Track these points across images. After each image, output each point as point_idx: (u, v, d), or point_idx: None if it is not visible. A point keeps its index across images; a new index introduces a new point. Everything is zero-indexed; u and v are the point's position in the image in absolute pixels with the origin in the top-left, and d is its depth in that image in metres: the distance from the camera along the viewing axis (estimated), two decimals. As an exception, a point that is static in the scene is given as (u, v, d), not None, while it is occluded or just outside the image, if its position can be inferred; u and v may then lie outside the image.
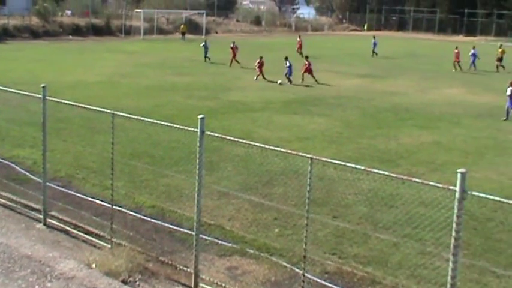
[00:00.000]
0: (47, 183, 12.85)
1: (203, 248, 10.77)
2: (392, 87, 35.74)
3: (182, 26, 75.44)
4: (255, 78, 37.01)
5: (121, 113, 11.51)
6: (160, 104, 27.19)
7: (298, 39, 58.68)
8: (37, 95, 12.59)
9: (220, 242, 11.74)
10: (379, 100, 30.69)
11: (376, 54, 56.98)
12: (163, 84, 34.09)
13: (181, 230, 12.10)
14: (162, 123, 11.44)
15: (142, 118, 11.69)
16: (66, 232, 12.18)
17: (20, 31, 67.03)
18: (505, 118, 26.09)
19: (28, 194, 13.69)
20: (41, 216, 12.63)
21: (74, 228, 12.23)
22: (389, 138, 21.71)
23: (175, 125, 10.98)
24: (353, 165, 8.95)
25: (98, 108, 12.27)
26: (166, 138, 17.38)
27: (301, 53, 52.46)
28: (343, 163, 9.14)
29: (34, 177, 14.88)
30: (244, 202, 13.68)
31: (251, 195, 13.79)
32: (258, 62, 37.28)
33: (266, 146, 10.13)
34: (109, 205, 11.83)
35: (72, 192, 14.36)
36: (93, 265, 10.37)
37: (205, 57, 46.50)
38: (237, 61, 43.26)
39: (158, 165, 16.18)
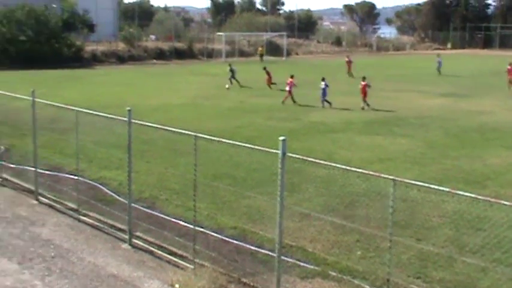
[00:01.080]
0: (132, 204, 13.07)
1: (285, 270, 10.67)
2: (477, 107, 34.81)
3: (260, 48, 76.01)
4: (282, 101, 35.37)
5: (203, 135, 11.63)
6: (241, 125, 27.39)
7: (347, 59, 56.50)
8: (123, 118, 12.87)
9: (302, 264, 11.62)
10: (464, 120, 29.98)
11: (439, 73, 55.67)
12: (244, 106, 34.35)
13: (263, 251, 12.06)
14: (244, 145, 11.44)
15: (224, 140, 11.74)
16: (151, 252, 12.36)
17: (108, 56, 69.02)
18: None
19: (114, 214, 13.95)
20: (127, 237, 12.87)
21: (158, 249, 12.40)
22: (474, 158, 21.10)
23: (256, 147, 10.99)
24: (437, 187, 8.79)
25: (180, 131, 12.43)
26: (247, 160, 17.44)
27: (351, 75, 51.75)
28: (426, 185, 8.99)
29: (120, 198, 15.18)
30: (326, 224, 13.52)
31: (333, 217, 13.60)
32: (289, 83, 35.83)
33: (348, 168, 10.03)
34: (192, 226, 11.95)
35: (156, 213, 14.55)
36: (177, 285, 10.45)
37: (231, 79, 44.64)
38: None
39: (240, 187, 16.21)
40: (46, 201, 15.54)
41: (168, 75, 53.56)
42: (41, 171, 16.56)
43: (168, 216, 14.24)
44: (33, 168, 16.18)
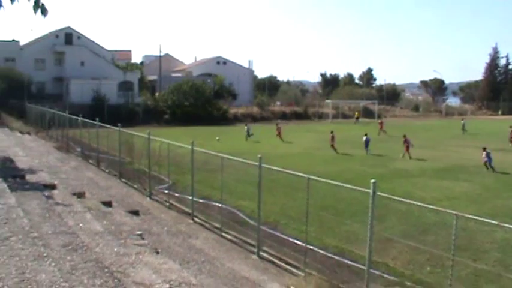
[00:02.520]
0: (260, 226, 13.33)
1: (372, 279, 10.60)
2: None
3: (356, 112, 75.28)
4: (402, 156, 33.86)
5: (314, 177, 11.81)
6: (342, 170, 27.22)
7: (379, 120, 55.22)
8: (255, 163, 13.25)
9: (385, 275, 11.50)
10: (512, 169, 28.49)
11: (466, 131, 53.24)
12: (344, 156, 34.19)
13: (356, 265, 11.97)
14: (344, 185, 11.58)
15: (329, 181, 11.89)
16: (273, 262, 12.52)
17: (245, 117, 70.42)
18: None
19: (247, 233, 14.24)
20: (255, 250, 13.10)
21: (278, 260, 12.55)
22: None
23: (353, 187, 11.07)
24: (490, 220, 8.63)
25: (297, 173, 12.64)
26: (346, 196, 17.35)
27: (384, 131, 50.01)
28: (481, 218, 8.87)
29: (251, 221, 15.40)
30: (404, 246, 13.28)
31: (410, 241, 13.34)
32: (405, 141, 34.49)
33: (422, 204, 9.96)
34: (304, 244, 12.06)
35: (278, 234, 14.71)
36: (291, 287, 10.57)
37: (248, 136, 44.68)
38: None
39: (340, 216, 16.14)
40: (199, 221, 16.10)
41: (289, 131, 54.00)
42: (196, 199, 17.17)
43: (286, 236, 14.35)
44: (190, 197, 16.82)
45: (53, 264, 5.83)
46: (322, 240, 13.99)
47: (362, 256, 11.71)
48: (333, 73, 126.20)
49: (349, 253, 13.08)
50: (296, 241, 13.39)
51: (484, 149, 29.02)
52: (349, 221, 15.00)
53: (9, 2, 4.41)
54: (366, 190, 9.94)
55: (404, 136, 34.75)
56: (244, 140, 43.67)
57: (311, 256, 12.21)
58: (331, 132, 38.19)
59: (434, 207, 10.30)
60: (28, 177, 13.24)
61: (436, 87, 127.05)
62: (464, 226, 13.17)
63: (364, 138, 36.28)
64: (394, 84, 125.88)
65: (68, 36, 72.99)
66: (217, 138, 41.04)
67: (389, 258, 12.79)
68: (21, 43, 72.90)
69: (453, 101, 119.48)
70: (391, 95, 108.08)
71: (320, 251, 13.03)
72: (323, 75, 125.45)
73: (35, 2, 4.34)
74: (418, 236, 14.42)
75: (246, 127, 46.32)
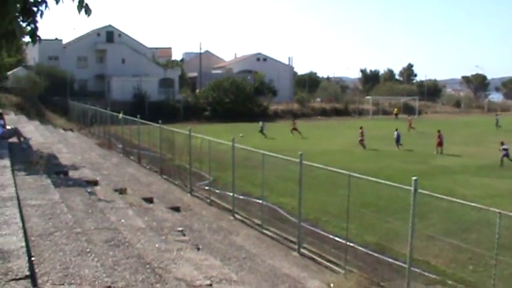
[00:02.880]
0: (301, 223, 13.30)
1: (413, 277, 10.42)
2: None
3: (396, 109, 74.11)
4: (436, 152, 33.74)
5: (355, 174, 11.69)
6: (382, 166, 26.87)
7: (409, 117, 55.68)
8: (296, 160, 13.20)
9: (426, 273, 11.30)
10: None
11: (500, 127, 52.81)
12: (384, 152, 33.74)
13: (397, 263, 11.80)
14: (385, 182, 11.44)
15: (370, 178, 11.75)
16: (313, 259, 12.45)
17: (285, 113, 70.40)
18: None
19: (287, 230, 14.21)
20: (296, 247, 13.06)
21: (319, 257, 12.47)
22: None
23: (394, 184, 10.90)
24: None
25: (338, 170, 12.55)
26: (387, 193, 17.07)
27: (413, 128, 49.60)
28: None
29: (292, 218, 15.41)
30: (446, 244, 12.99)
31: (451, 239, 13.04)
32: (438, 136, 34.24)
33: (464, 202, 9.72)
34: (344, 241, 11.95)
35: (318, 231, 14.64)
36: (331, 285, 10.47)
37: (262, 133, 44.36)
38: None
39: (381, 213, 15.93)
40: (239, 217, 16.13)
41: (329, 128, 53.71)
42: (237, 195, 17.21)
43: (327, 233, 14.29)
44: (231, 194, 16.89)
45: (96, 259, 5.91)
46: (362, 238, 13.88)
47: (403, 254, 11.53)
48: (373, 69, 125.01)
49: (390, 251, 12.91)
50: (337, 238, 13.29)
51: (502, 143, 28.79)
52: (390, 219, 14.75)
53: (54, 2, 4.46)
54: (408, 187, 9.78)
55: (439, 131, 34.50)
56: (261, 135, 43.49)
57: (352, 253, 12.10)
58: (361, 128, 37.98)
59: (477, 205, 10.01)
60: (71, 173, 13.52)
61: (478, 83, 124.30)
62: (508, 224, 12.72)
63: (395, 133, 36.65)
64: (435, 80, 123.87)
65: (109, 34, 74.35)
66: (240, 135, 40.97)
67: (431, 256, 12.55)
68: (64, 42, 74.56)
69: (495, 97, 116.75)
70: (432, 91, 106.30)
71: (361, 248, 12.91)
72: (363, 71, 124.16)
73: (79, 2, 4.39)
74: (460, 234, 14.07)
75: (260, 123, 46.21)
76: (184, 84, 78.76)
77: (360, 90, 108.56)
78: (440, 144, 33.65)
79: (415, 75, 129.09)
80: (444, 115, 79.62)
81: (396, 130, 36.86)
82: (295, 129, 45.63)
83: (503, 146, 28.62)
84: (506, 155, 28.29)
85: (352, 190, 11.64)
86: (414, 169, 25.78)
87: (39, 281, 5.19)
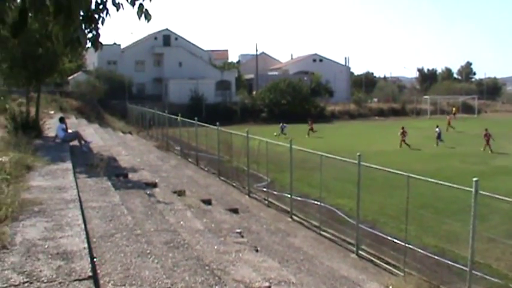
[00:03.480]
0: (359, 225, 13.13)
1: (474, 281, 10.09)
2: None
3: (453, 108, 71.81)
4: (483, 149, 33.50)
5: (413, 175, 11.44)
6: (441, 167, 26.14)
7: (448, 117, 54.85)
8: (353, 161, 13.05)
9: (488, 277, 10.90)
10: None
11: None
12: (443, 152, 32.84)
13: (457, 265, 11.46)
14: (444, 183, 11.15)
15: (429, 179, 11.47)
16: (372, 261, 12.27)
17: (342, 114, 69.86)
18: None
19: (346, 231, 14.06)
20: (354, 249, 12.91)
21: (377, 259, 12.28)
22: None
23: (454, 185, 10.61)
24: None
25: (396, 171, 12.32)
26: (447, 194, 16.61)
27: (452, 127, 48.48)
28: None
29: (350, 220, 15.23)
30: (508, 246, 12.47)
31: (514, 242, 12.57)
32: (485, 135, 34.00)
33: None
34: (403, 243, 11.71)
35: (377, 232, 14.43)
36: (390, 287, 10.29)
37: (281, 133, 42.96)
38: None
39: (440, 215, 15.48)
40: (297, 219, 16.08)
41: (386, 128, 52.72)
42: (295, 197, 17.18)
43: (385, 234, 14.07)
44: (289, 195, 16.86)
45: (156, 261, 6.00)
46: (421, 240, 13.61)
47: (463, 256, 11.20)
48: (430, 68, 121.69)
49: (450, 253, 12.56)
50: (395, 240, 13.06)
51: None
52: (449, 220, 14.34)
53: (115, 9, 4.56)
54: (468, 189, 9.49)
55: (486, 130, 34.24)
56: (279, 135, 42.12)
57: (410, 255, 11.85)
58: (402, 128, 37.38)
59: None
60: (130, 175, 13.82)
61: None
62: None
63: (437, 130, 37.97)
64: (494, 78, 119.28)
65: (166, 38, 75.67)
66: (275, 134, 40.66)
67: (492, 259, 12.11)
68: (122, 46, 76.30)
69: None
70: (492, 89, 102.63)
71: (420, 250, 12.63)
72: (420, 71, 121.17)
73: (139, 8, 4.47)
74: (525, 237, 13.48)
75: (280, 125, 45.64)
76: (241, 86, 79.29)
77: (418, 89, 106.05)
78: (487, 142, 33.41)
79: (474, 74, 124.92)
80: (504, 114, 76.64)
81: (437, 127, 38.22)
82: (312, 129, 45.18)
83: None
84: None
85: (411, 191, 11.40)
86: (474, 170, 24.97)
87: (101, 282, 5.32)
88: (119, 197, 9.38)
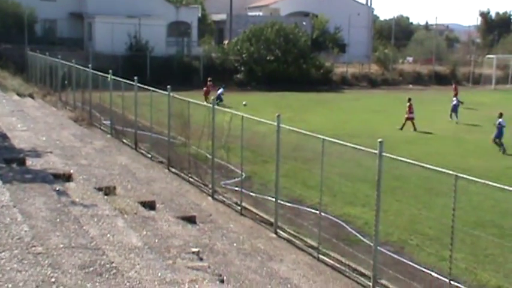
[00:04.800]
0: (378, 248, 13.14)
1: None
2: None
3: None
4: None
5: (464, 175, 11.42)
6: (510, 164, 26.36)
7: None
8: (373, 150, 12.99)
9: None
10: None
11: None
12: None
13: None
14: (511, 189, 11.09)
15: (490, 182, 11.45)
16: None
17: (358, 80, 69.81)
18: None
19: (357, 257, 14.07)
20: (370, 284, 12.92)
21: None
22: None
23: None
24: None
25: (438, 168, 12.29)
26: (517, 207, 16.78)
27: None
28: None
29: (364, 239, 15.29)
30: None
31: None
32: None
33: None
34: (446, 279, 11.75)
35: (405, 260, 14.46)
36: None
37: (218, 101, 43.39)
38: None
39: (508, 239, 15.59)
40: (285, 235, 16.07)
41: (426, 102, 52.84)
42: (282, 202, 17.16)
43: (418, 265, 14.11)
44: (273, 199, 16.82)
45: (66, 294, 5.91)
46: (476, 276, 13.64)
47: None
48: (501, 12, 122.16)
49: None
50: (434, 273, 13.11)
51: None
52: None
53: None
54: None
55: None
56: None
57: (458, 299, 11.89)
58: (409, 100, 38.17)
59: None
60: (30, 161, 13.64)
61: None
62: None
63: (455, 101, 42.08)
64: None
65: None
66: (244, 102, 40.36)
67: None
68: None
69: None
70: None
71: (473, 291, 12.68)
72: (485, 15, 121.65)
73: None
74: None
75: (218, 90, 45.56)
76: (206, 31, 78.72)
77: (478, 44, 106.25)
78: None
79: None
80: None
81: (455, 96, 42.60)
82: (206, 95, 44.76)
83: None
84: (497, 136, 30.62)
85: (460, 200, 11.43)
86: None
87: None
88: (9, 195, 9.25)
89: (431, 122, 39.57)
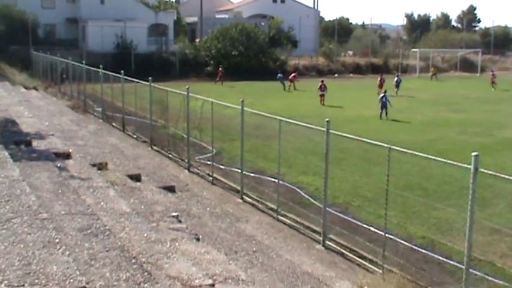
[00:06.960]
0: (327, 208, 13.19)
1: (472, 282, 10.18)
2: None
3: (432, 68, 71.84)
4: None
5: (396, 147, 11.49)
6: (433, 139, 26.56)
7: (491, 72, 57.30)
8: (321, 128, 13.02)
9: (490, 278, 11.09)
10: None
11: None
12: (436, 120, 33.19)
13: (451, 262, 11.68)
14: (436, 158, 11.14)
15: (416, 152, 11.52)
16: (342, 254, 12.39)
17: (308, 70, 70.01)
18: None
19: (310, 216, 14.14)
20: (321, 238, 13.00)
21: (349, 252, 12.40)
22: None
23: (448, 161, 10.60)
24: None
25: (375, 142, 12.34)
26: (438, 172, 16.95)
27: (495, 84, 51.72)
28: None
29: (315, 202, 15.37)
30: (516, 240, 12.82)
31: (524, 234, 12.83)
32: None
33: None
34: (382, 233, 11.85)
35: (349, 218, 14.58)
36: (365, 287, 10.39)
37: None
38: None
39: (430, 198, 15.76)
40: (249, 200, 16.11)
41: (364, 88, 53.30)
42: (246, 173, 17.17)
43: (359, 221, 14.22)
44: (239, 170, 16.84)
45: (67, 253, 5.87)
46: (406, 229, 13.77)
47: (458, 251, 11.38)
48: (422, 14, 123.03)
49: (441, 246, 12.77)
50: (372, 228, 13.23)
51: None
52: (441, 205, 14.60)
53: None
54: (465, 165, 9.51)
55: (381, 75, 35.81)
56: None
57: (391, 248, 11.96)
58: (322, 81, 41.19)
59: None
60: (35, 143, 13.52)
61: None
62: None
63: (396, 79, 46.50)
64: (505, 27, 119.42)
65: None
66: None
67: (497, 255, 12.36)
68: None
69: None
70: (502, 41, 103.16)
71: (403, 242, 12.81)
72: (409, 17, 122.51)
73: None
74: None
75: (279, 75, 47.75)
76: (181, 32, 78.19)
77: (405, 40, 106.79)
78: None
79: (479, 21, 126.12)
80: (515, 72, 77.92)
81: (397, 76, 45.14)
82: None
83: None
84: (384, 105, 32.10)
85: (393, 168, 11.48)
86: (476, 142, 25.34)
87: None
88: (18, 171, 9.15)
89: (369, 105, 39.77)
